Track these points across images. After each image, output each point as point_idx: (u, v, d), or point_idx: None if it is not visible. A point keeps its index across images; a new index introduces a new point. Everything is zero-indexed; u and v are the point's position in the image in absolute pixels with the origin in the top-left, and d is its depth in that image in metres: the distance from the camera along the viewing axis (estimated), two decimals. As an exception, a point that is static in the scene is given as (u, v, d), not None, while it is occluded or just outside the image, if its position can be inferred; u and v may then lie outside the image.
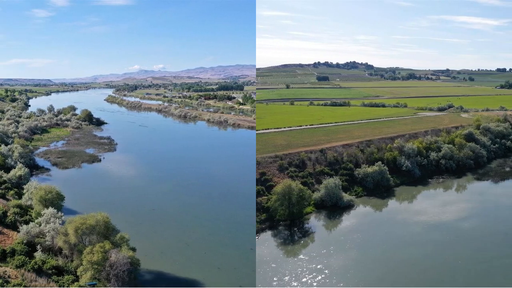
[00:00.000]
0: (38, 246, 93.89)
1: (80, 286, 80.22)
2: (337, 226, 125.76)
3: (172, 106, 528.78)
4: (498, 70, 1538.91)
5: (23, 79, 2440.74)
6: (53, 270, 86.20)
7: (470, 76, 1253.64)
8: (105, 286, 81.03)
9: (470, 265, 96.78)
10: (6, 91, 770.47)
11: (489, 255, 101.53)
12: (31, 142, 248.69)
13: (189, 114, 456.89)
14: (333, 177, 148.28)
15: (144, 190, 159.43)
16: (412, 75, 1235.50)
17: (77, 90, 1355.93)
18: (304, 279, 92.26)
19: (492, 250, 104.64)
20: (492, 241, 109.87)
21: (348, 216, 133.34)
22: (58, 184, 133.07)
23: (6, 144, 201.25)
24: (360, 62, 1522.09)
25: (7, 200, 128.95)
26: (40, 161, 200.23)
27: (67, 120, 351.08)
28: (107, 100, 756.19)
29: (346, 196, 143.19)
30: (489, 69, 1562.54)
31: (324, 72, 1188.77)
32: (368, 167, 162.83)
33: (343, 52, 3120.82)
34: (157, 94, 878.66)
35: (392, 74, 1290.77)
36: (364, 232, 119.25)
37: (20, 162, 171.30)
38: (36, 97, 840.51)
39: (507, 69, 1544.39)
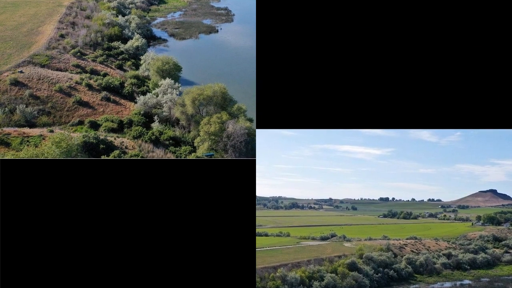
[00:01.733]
0: (155, 117, 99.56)
1: (197, 156, 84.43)
2: None
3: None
4: (381, 199, 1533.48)
5: None
6: (170, 141, 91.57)
7: (353, 205, 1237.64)
8: (222, 157, 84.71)
9: None
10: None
11: None
12: (148, 13, 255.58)
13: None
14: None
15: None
16: (295, 204, 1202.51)
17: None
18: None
19: None
20: None
21: None
22: (175, 55, 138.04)
23: (123, 15, 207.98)
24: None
25: (124, 71, 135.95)
26: (157, 32, 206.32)
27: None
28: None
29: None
30: (372, 198, 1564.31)
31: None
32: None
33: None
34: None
35: (275, 203, 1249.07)
36: None
37: (137, 33, 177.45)
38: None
39: (390, 198, 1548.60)
